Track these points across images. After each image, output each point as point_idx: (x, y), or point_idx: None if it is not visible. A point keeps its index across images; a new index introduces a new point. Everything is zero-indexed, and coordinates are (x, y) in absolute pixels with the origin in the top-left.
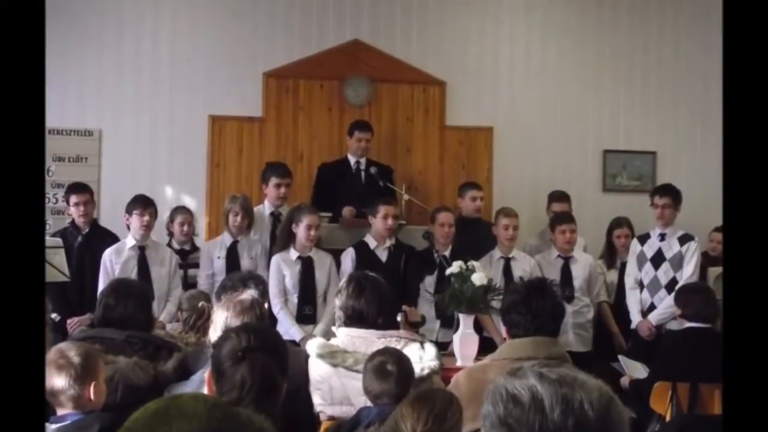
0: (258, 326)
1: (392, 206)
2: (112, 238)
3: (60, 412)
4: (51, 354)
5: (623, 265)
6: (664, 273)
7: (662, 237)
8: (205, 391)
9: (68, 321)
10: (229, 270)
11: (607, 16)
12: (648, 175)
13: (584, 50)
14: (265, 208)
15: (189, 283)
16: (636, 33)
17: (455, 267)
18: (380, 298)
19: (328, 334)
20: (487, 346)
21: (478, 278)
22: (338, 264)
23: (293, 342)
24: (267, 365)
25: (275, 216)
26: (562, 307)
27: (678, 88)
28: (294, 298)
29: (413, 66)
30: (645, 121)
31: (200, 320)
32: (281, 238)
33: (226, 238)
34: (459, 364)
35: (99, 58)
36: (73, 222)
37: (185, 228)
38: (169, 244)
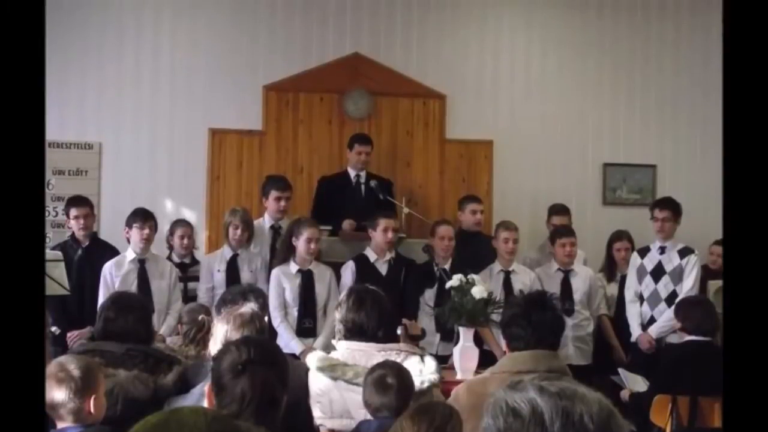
0: (258, 339)
1: (392, 219)
2: (112, 252)
3: (60, 425)
4: (51, 367)
5: (623, 279)
6: (664, 286)
7: (662, 250)
8: (205, 404)
9: (68, 334)
10: (229, 283)
11: (608, 29)
12: (648, 189)
13: (584, 64)
14: (265, 222)
15: (189, 297)
16: (636, 46)
17: (455, 280)
18: (380, 311)
19: (328, 348)
20: (487, 360)
21: (478, 291)
22: (338, 277)
23: (293, 355)
24: (267, 378)
25: (275, 229)
26: (562, 321)
27: (678, 101)
28: (294, 312)
29: (413, 79)
30: (645, 134)
31: (200, 333)
32: (281, 251)
33: (226, 252)
34: (459, 377)
35: (99, 71)
36: (73, 235)
37: (185, 241)
38: (169, 258)
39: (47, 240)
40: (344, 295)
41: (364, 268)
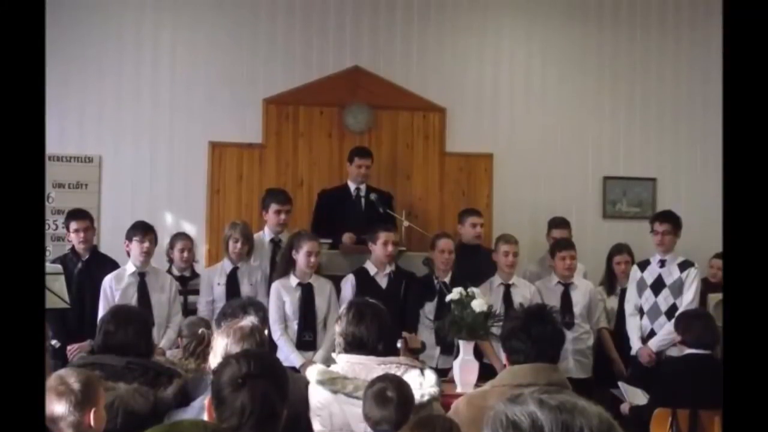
0: (258, 353)
1: (392, 233)
2: (112, 265)
3: None
4: (51, 380)
5: (623, 292)
6: (664, 299)
7: (662, 263)
8: (205, 417)
9: (68, 347)
10: (229, 296)
11: (608, 42)
12: (648, 202)
13: (584, 77)
14: (265, 235)
15: (189, 310)
16: (636, 59)
17: (455, 293)
18: (380, 324)
19: (328, 361)
20: (487, 373)
21: (478, 305)
22: (338, 290)
23: (293, 368)
24: (267, 392)
25: (275, 242)
26: (562, 334)
27: (678, 115)
28: (294, 325)
29: (413, 92)
30: (645, 147)
31: (200, 347)
32: (281, 264)
33: (226, 265)
34: (459, 390)
35: (99, 84)
36: (73, 248)
37: (185, 254)
38: (169, 271)
39: (47, 253)
40: (344, 308)
41: (364, 282)
